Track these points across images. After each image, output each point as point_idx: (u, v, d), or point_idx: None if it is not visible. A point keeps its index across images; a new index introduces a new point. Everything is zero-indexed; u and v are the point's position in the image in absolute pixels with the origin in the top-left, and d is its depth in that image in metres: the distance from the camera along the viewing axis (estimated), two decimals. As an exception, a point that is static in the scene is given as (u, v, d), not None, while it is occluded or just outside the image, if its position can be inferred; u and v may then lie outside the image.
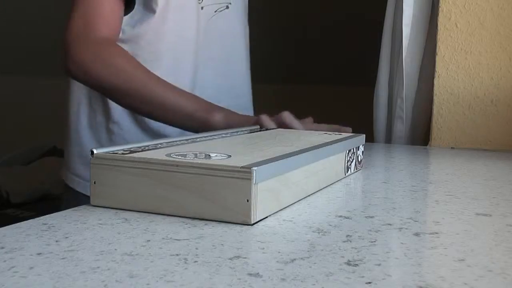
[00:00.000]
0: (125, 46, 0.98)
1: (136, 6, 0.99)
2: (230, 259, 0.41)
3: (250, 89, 1.20)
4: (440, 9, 1.11)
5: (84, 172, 1.02)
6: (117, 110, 1.00)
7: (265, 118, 0.89)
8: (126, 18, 0.99)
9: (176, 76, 0.99)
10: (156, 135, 1.01)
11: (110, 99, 0.99)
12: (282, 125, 0.89)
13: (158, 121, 0.97)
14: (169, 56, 1.02)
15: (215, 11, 1.07)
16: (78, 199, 0.99)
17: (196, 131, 0.91)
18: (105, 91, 0.95)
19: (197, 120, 0.91)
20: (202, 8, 1.05)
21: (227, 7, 1.10)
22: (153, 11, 0.99)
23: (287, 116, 0.90)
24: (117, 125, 1.01)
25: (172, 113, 0.92)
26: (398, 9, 1.17)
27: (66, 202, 1.06)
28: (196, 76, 1.04)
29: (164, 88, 0.93)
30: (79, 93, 1.05)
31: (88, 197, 0.97)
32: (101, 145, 0.99)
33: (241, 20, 1.16)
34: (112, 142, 1.01)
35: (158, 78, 0.94)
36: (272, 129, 0.86)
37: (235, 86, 1.12)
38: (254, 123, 0.89)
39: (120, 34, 0.99)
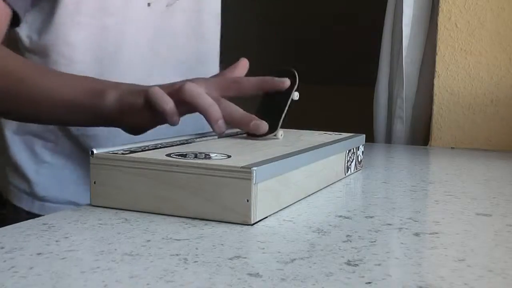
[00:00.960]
0: (36, 59, 0.81)
1: (34, 8, 0.80)
2: (230, 259, 0.41)
3: None
4: (440, 9, 1.11)
5: (16, 181, 0.87)
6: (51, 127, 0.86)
7: (156, 92, 0.66)
8: (26, 24, 0.81)
9: None
10: (86, 151, 0.83)
11: None
12: (183, 102, 0.66)
13: (42, 121, 0.78)
14: (95, 66, 0.82)
15: (166, 6, 0.88)
16: (16, 212, 0.87)
17: (91, 123, 0.74)
18: None
19: (83, 109, 0.70)
20: (149, 4, 0.85)
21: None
22: (52, 13, 0.79)
23: (188, 91, 0.66)
24: (53, 134, 0.86)
25: (50, 107, 0.71)
26: (398, 9, 1.17)
27: (4, 216, 0.90)
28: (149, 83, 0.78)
29: (38, 75, 0.72)
30: None
31: (25, 211, 0.86)
32: (34, 154, 0.86)
33: (209, 15, 0.96)
34: (48, 151, 0.86)
35: (32, 66, 0.75)
36: (168, 108, 0.65)
37: None
38: (144, 95, 0.67)
39: (28, 43, 0.81)
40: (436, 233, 0.50)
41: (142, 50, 0.86)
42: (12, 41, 0.80)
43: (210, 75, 0.79)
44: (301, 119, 1.43)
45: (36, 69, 0.74)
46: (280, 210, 0.55)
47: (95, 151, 0.55)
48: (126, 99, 0.68)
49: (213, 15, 0.98)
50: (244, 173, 0.49)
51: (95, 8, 0.81)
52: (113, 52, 0.84)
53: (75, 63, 0.81)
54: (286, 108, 0.70)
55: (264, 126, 0.68)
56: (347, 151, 0.74)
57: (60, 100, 0.70)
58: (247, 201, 0.49)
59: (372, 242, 0.46)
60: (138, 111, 0.67)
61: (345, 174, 0.74)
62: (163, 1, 0.88)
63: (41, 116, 0.74)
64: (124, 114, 0.68)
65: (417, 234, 0.49)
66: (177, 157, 0.54)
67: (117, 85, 0.71)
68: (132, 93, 0.68)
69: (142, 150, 0.57)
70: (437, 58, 1.12)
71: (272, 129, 0.69)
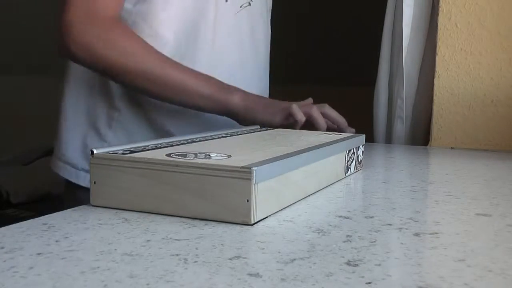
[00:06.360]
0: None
1: None
2: (230, 259, 0.41)
3: (267, 95, 1.13)
4: (440, 9, 1.11)
5: (76, 160, 0.98)
6: (119, 98, 0.97)
7: (295, 108, 0.90)
8: None
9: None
10: (159, 129, 0.97)
11: (118, 82, 0.94)
12: (309, 118, 0.92)
13: (174, 103, 0.94)
14: (175, 44, 0.96)
15: (240, 6, 1.02)
16: (75, 194, 0.96)
17: (215, 112, 0.93)
18: (113, 74, 0.91)
19: (215, 102, 0.91)
20: (226, 0, 0.99)
21: (249, 4, 1.04)
22: None
23: (315, 112, 0.92)
24: (118, 112, 0.97)
25: (189, 96, 0.91)
26: (398, 9, 1.17)
27: (66, 197, 1.02)
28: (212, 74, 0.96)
29: (179, 70, 0.91)
30: (77, 81, 1.00)
31: (83, 188, 0.95)
32: (98, 132, 0.98)
33: (264, 20, 1.10)
34: (111, 130, 0.98)
35: (171, 60, 0.91)
36: (298, 120, 0.91)
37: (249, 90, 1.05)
38: (282, 110, 0.91)
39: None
40: (436, 233, 0.50)
41: (203, 40, 0.98)
42: None
43: (256, 77, 1.08)
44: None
45: (170, 61, 0.92)
46: (280, 210, 0.55)
47: (95, 151, 0.56)
48: (250, 100, 0.93)
49: (266, 21, 1.13)
50: (244, 173, 0.49)
51: None
52: (191, 34, 0.97)
53: (159, 37, 0.94)
54: None
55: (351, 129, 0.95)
56: (347, 151, 0.74)
57: (196, 92, 0.91)
58: (247, 201, 0.49)
59: (372, 242, 0.46)
60: (270, 114, 0.92)
61: (345, 174, 0.74)
62: (237, 2, 1.01)
63: (174, 101, 0.94)
64: (248, 111, 0.92)
65: (417, 234, 0.49)
66: (177, 157, 0.54)
67: (238, 89, 0.94)
68: (258, 98, 0.96)
69: (142, 150, 0.57)
70: (437, 58, 1.12)
71: None
